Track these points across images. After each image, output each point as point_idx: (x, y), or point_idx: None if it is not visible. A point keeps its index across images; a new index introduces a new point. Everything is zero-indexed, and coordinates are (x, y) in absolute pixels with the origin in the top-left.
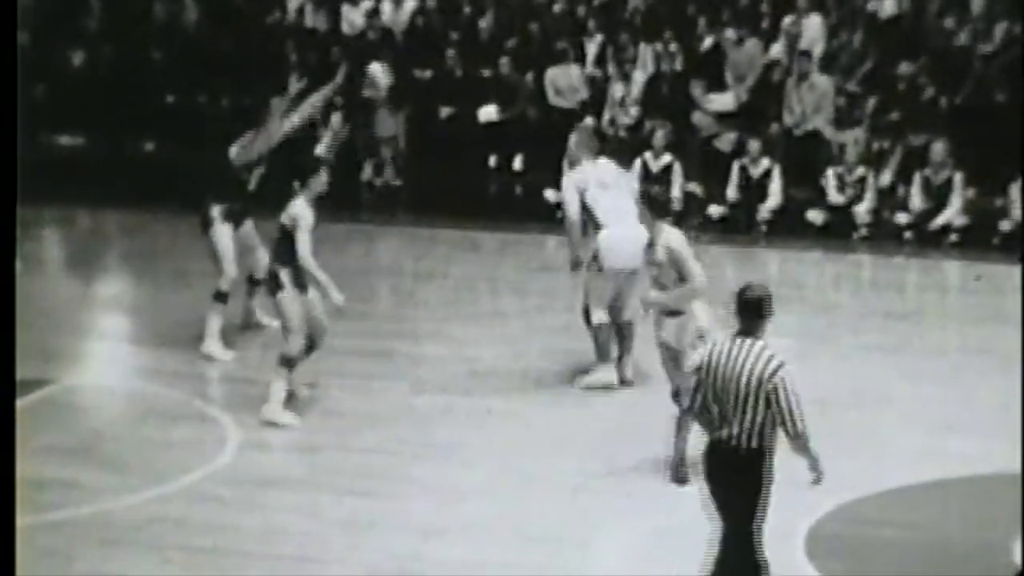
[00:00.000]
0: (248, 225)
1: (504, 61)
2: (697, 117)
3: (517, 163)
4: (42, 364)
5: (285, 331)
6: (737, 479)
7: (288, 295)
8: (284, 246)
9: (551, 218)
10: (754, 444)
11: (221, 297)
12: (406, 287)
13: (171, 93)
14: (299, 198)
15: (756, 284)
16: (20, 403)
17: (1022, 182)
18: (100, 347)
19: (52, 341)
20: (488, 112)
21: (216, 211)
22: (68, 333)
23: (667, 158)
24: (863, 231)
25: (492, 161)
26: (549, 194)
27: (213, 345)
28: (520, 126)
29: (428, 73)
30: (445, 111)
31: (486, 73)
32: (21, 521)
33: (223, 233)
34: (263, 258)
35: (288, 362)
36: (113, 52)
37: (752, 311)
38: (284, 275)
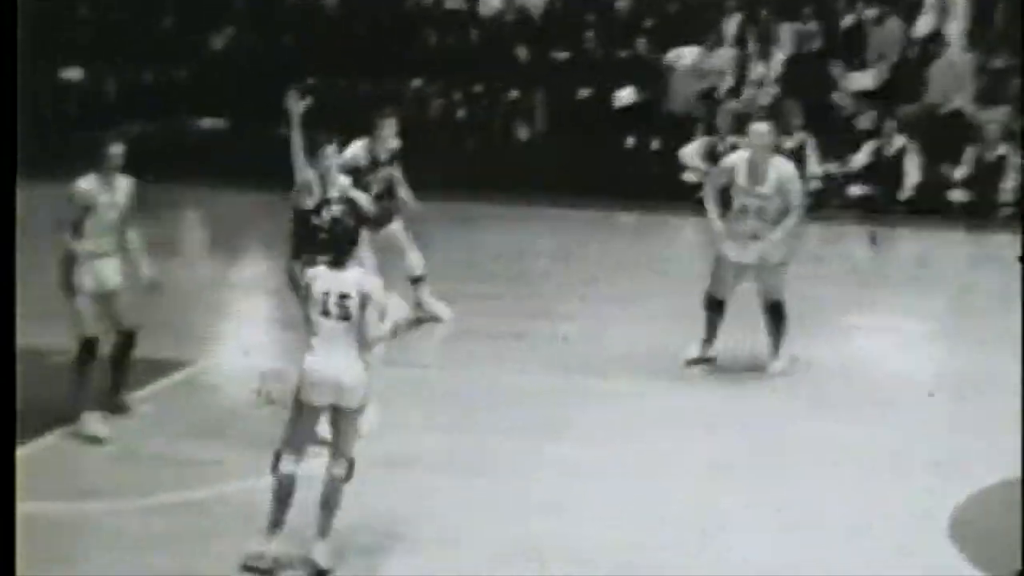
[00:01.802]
0: (394, 226)
1: (642, 41)
2: (837, 96)
3: (655, 144)
4: (183, 345)
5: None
6: None
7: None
8: None
9: (688, 199)
10: None
11: None
12: (542, 268)
13: (311, 76)
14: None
15: None
16: (162, 383)
17: None
18: (240, 328)
19: (193, 322)
20: (625, 95)
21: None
22: (209, 313)
23: (801, 136)
24: (1006, 210)
25: (630, 142)
26: (688, 175)
27: None
28: (658, 107)
29: (566, 54)
30: (583, 92)
31: (623, 54)
32: (165, 499)
33: None
34: (416, 258)
35: None
36: (254, 37)
37: None
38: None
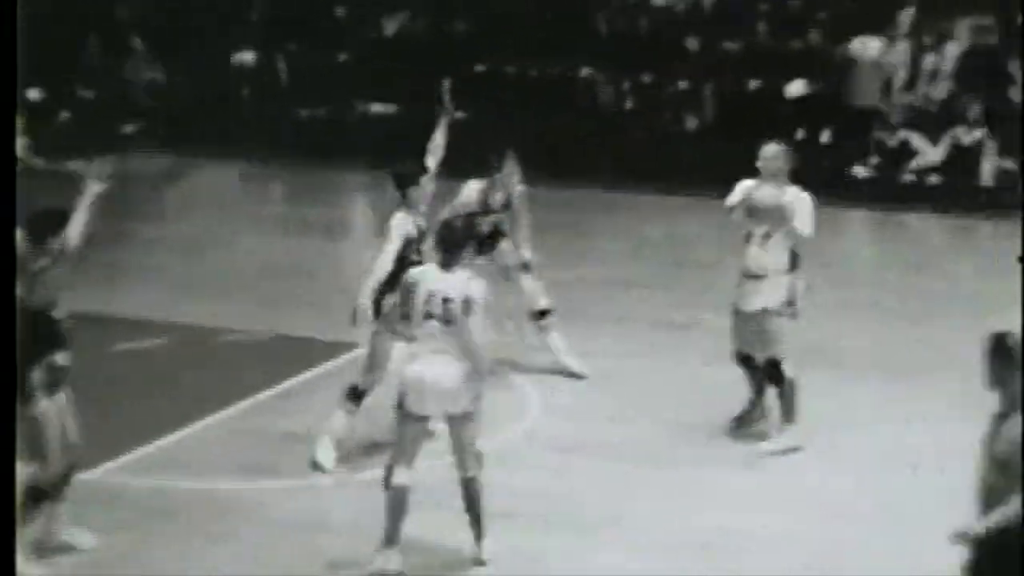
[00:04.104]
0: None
1: (814, 34)
2: (1013, 92)
3: (824, 137)
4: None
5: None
6: None
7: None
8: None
9: (858, 192)
10: None
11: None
12: (706, 258)
13: (480, 63)
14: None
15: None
16: (329, 364)
17: None
18: None
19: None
20: (796, 87)
21: None
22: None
23: (979, 133)
24: None
25: (799, 135)
26: (857, 169)
27: None
28: (828, 100)
29: (736, 45)
30: (752, 83)
31: (796, 45)
32: (332, 479)
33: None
34: (531, 282)
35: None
36: (425, 22)
37: None
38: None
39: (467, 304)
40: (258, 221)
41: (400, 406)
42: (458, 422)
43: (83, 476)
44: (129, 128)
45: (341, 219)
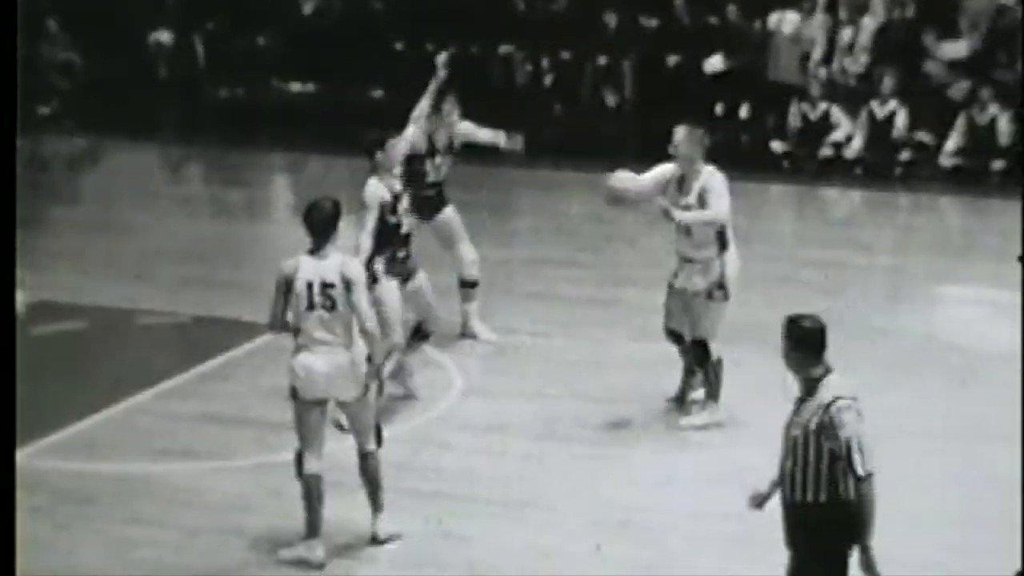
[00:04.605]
0: (448, 211)
1: (732, 8)
2: (929, 65)
3: (743, 112)
4: (266, 308)
5: (383, 323)
6: None
7: (384, 287)
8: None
9: (776, 168)
10: None
11: None
12: (630, 235)
13: (399, 41)
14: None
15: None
16: (248, 346)
17: None
18: None
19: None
20: (715, 63)
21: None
22: None
23: (893, 105)
24: None
25: (718, 109)
26: (775, 145)
27: None
28: (746, 75)
29: (655, 20)
30: (672, 59)
31: (713, 21)
32: (254, 460)
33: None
34: (471, 255)
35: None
36: (342, 0)
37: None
38: (379, 265)
39: (348, 285)
40: (177, 202)
41: (294, 396)
42: (352, 407)
43: None
44: (44, 110)
45: (262, 199)
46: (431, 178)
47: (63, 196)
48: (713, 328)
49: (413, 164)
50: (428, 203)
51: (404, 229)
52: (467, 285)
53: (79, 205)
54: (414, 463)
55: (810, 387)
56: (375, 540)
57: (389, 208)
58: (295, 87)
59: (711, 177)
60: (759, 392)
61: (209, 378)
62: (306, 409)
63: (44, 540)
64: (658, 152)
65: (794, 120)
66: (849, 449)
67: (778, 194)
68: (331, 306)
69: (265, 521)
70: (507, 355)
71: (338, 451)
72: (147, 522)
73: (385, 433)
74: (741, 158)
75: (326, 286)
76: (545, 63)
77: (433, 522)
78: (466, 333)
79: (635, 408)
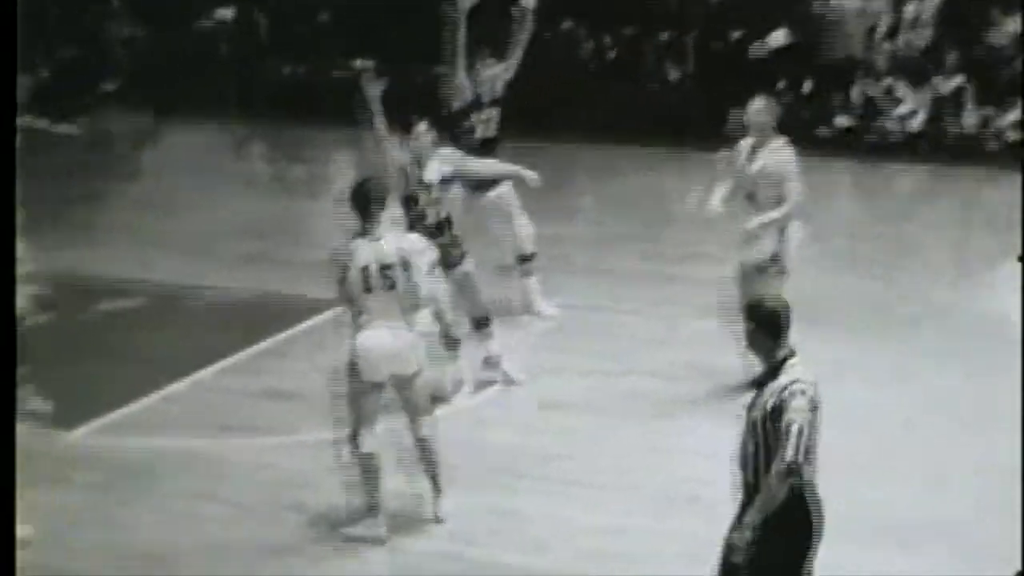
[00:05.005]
0: (504, 188)
1: None
2: (993, 39)
3: (806, 87)
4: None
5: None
6: None
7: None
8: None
9: (839, 143)
10: None
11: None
12: (693, 211)
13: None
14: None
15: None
16: (309, 323)
17: None
18: None
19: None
20: (778, 37)
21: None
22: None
23: (958, 80)
24: None
25: (780, 85)
26: (838, 120)
27: None
28: (809, 50)
29: None
30: (735, 34)
31: None
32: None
33: None
34: (527, 230)
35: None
36: None
37: None
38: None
39: (406, 265)
40: (238, 179)
41: (352, 374)
42: (407, 383)
43: (64, 437)
44: (108, 86)
45: (323, 176)
46: (480, 134)
47: (126, 172)
48: None
49: (460, 119)
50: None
51: (429, 219)
52: (524, 260)
53: (141, 181)
54: (473, 440)
55: (773, 369)
56: (436, 519)
57: (409, 199)
58: (358, 64)
59: (780, 155)
60: (818, 370)
61: (270, 355)
62: (364, 388)
63: (106, 516)
64: (720, 128)
65: (857, 95)
66: (787, 433)
67: (840, 169)
68: (391, 286)
69: (325, 497)
70: (569, 331)
71: (396, 429)
72: (208, 498)
73: (442, 411)
74: (803, 133)
75: (384, 267)
76: (607, 39)
77: (493, 499)
78: (528, 309)
79: (698, 384)
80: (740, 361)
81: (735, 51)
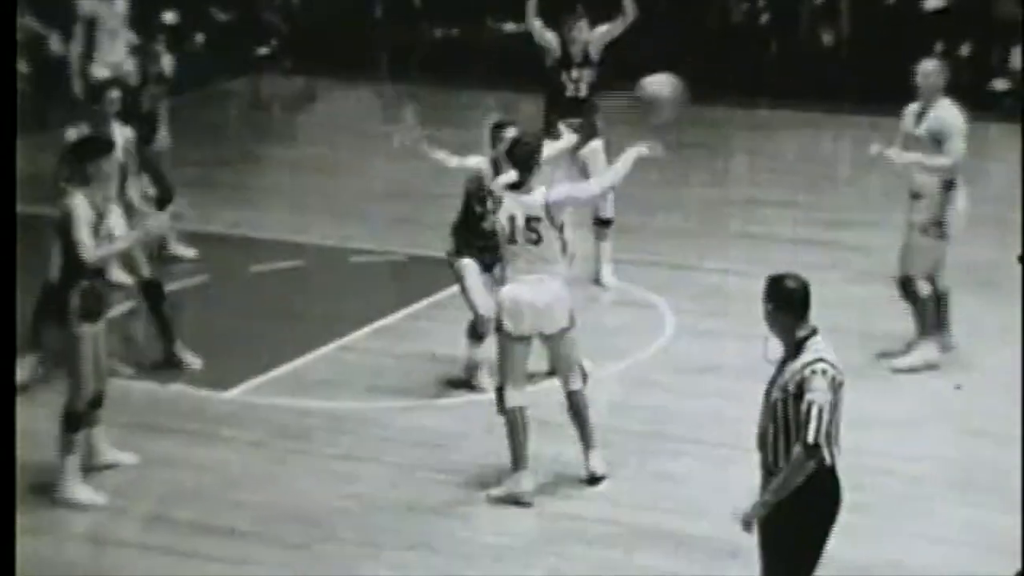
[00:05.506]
0: (596, 143)
1: None
2: None
3: (964, 50)
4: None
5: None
6: None
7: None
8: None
9: (998, 107)
10: None
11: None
12: (847, 176)
13: None
14: None
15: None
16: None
17: None
18: None
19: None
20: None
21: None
22: None
23: None
24: None
25: (938, 47)
26: (997, 83)
27: None
28: (968, 12)
29: None
30: None
31: None
32: (465, 398)
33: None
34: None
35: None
36: None
37: None
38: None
39: (550, 211)
40: (390, 143)
41: (499, 329)
42: (556, 339)
43: (219, 396)
44: (263, 50)
45: (475, 140)
46: (570, 92)
47: (280, 135)
48: (921, 264)
49: (552, 74)
50: (579, 129)
51: (486, 224)
52: (602, 224)
53: (296, 144)
54: (627, 403)
55: (794, 349)
56: (591, 479)
57: (476, 196)
58: (509, 27)
59: (946, 112)
60: (978, 334)
61: (420, 317)
62: (511, 343)
63: (262, 474)
64: (875, 91)
65: (1017, 58)
66: (808, 413)
67: (999, 133)
68: (536, 239)
69: (474, 458)
70: (720, 295)
71: (542, 391)
72: (359, 458)
73: (597, 372)
74: (962, 97)
75: (531, 219)
76: (761, 2)
77: (646, 462)
78: (595, 276)
79: (850, 351)
80: (896, 326)
81: (891, 14)
